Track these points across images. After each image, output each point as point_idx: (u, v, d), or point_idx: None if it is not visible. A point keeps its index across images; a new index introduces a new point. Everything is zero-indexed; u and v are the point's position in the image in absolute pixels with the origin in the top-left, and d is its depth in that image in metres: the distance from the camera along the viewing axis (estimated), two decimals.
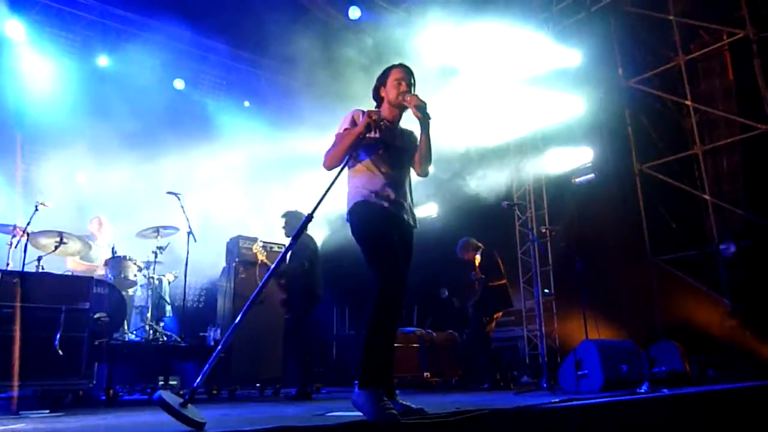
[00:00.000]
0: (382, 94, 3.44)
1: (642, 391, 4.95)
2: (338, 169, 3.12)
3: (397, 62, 3.48)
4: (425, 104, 3.23)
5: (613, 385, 5.17)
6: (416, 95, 3.28)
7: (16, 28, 8.06)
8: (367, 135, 3.18)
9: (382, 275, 2.98)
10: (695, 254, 8.24)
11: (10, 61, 8.16)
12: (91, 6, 8.64)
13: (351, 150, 3.17)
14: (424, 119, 3.22)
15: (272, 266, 2.67)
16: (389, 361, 3.15)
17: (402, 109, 3.41)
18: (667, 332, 7.84)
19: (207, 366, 2.32)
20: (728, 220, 8.08)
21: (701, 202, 8.27)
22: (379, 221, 3.12)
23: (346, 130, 3.27)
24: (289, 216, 6.16)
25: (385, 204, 3.18)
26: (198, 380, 2.30)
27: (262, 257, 6.34)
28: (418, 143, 3.37)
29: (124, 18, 9.11)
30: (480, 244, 7.16)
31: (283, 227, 6.17)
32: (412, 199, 3.42)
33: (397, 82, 3.36)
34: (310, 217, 2.82)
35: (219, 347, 2.40)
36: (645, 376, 5.56)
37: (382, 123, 3.26)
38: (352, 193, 3.26)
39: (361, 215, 3.16)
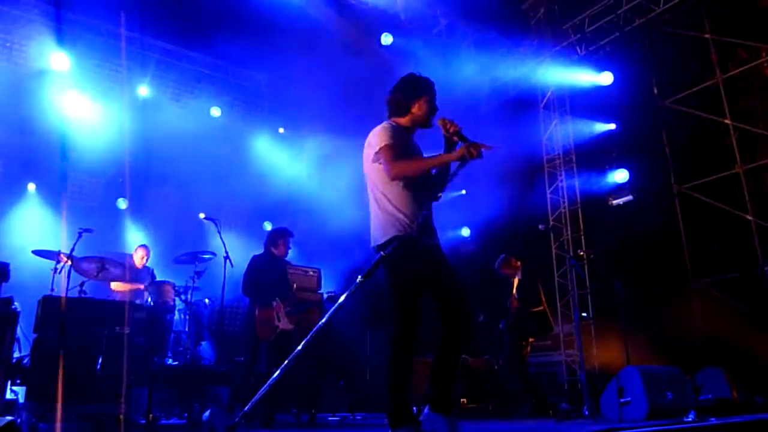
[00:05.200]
0: (414, 108, 3.31)
1: (689, 420, 4.79)
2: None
3: (426, 76, 3.41)
4: (460, 128, 3.20)
5: (659, 413, 5.00)
6: (453, 122, 3.22)
7: (61, 60, 8.37)
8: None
9: (398, 317, 3.06)
10: (739, 276, 7.99)
11: (54, 91, 8.45)
12: (133, 38, 8.94)
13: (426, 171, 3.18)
14: (463, 141, 3.15)
15: (341, 298, 2.60)
16: (451, 377, 3.15)
17: (423, 126, 3.38)
18: (711, 357, 7.58)
19: (259, 394, 2.32)
20: None
21: (744, 223, 8.04)
22: (409, 264, 3.09)
23: (428, 157, 3.24)
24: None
25: (418, 236, 3.14)
26: (247, 407, 2.31)
27: None
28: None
29: (164, 49, 9.39)
30: (519, 263, 7.02)
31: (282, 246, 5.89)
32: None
33: (432, 104, 3.33)
34: (382, 258, 2.73)
35: (275, 376, 2.40)
36: (691, 404, 5.37)
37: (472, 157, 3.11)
38: (385, 223, 3.19)
39: (394, 251, 3.06)
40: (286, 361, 2.41)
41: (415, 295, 3.11)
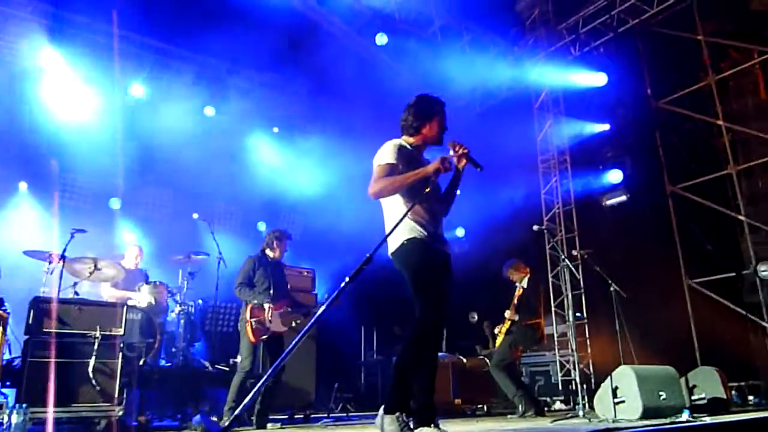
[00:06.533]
0: (425, 129, 3.46)
1: (683, 419, 4.80)
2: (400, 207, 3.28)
3: (437, 95, 3.53)
4: (469, 151, 3.35)
5: (652, 413, 5.01)
6: (461, 144, 3.35)
7: (52, 57, 8.30)
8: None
9: (424, 310, 3.13)
10: (732, 276, 8.02)
11: (46, 89, 8.38)
12: (126, 37, 8.88)
13: (408, 187, 3.25)
14: (472, 164, 3.34)
15: (327, 301, 2.60)
16: (431, 388, 3.22)
17: (433, 144, 3.52)
18: (705, 357, 7.61)
19: (251, 396, 2.30)
20: (765, 241, 7.87)
21: (737, 223, 8.08)
22: (427, 259, 3.22)
23: (414, 171, 3.27)
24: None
25: (431, 240, 3.28)
26: (239, 409, 2.29)
27: None
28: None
29: (158, 48, 9.33)
30: (528, 270, 6.95)
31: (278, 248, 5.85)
32: None
33: (442, 124, 3.47)
34: (369, 259, 2.73)
35: (264, 379, 2.37)
36: (685, 403, 5.38)
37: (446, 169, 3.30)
38: (400, 228, 3.24)
39: (411, 252, 3.24)
40: (272, 366, 2.40)
41: (440, 287, 3.21)
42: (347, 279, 2.58)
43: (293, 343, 2.34)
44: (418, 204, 3.25)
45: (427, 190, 3.22)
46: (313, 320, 2.56)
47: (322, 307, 2.56)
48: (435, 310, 3.14)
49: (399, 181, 3.23)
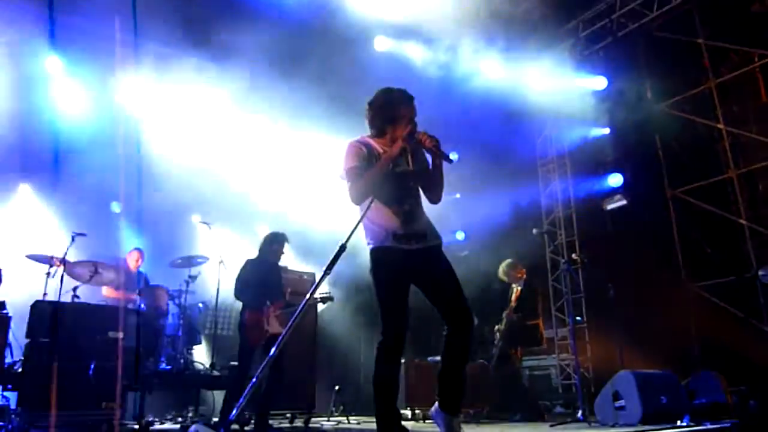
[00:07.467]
0: (389, 133, 3.28)
1: (683, 424, 4.80)
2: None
3: (398, 89, 3.34)
4: (439, 142, 3.19)
5: (653, 417, 5.00)
6: (432, 136, 3.18)
7: (55, 63, 8.32)
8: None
9: (383, 325, 3.07)
10: (732, 280, 8.01)
11: (47, 94, 8.39)
12: (128, 40, 8.86)
13: (382, 178, 3.13)
14: (440, 156, 3.21)
15: (306, 296, 2.64)
16: (460, 384, 3.17)
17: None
18: (705, 361, 7.60)
19: (242, 399, 2.31)
20: (766, 245, 7.86)
21: (737, 227, 8.07)
22: (386, 270, 3.13)
23: (380, 158, 3.20)
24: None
25: (396, 244, 3.14)
26: (232, 413, 2.29)
27: None
28: (428, 165, 3.34)
29: (159, 51, 9.32)
30: (524, 271, 6.96)
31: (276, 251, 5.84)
32: (427, 219, 3.33)
33: (411, 127, 3.22)
34: (343, 248, 2.76)
35: (254, 379, 2.38)
36: (685, 408, 5.38)
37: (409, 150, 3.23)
38: (365, 233, 3.23)
39: (372, 266, 3.18)
40: (264, 362, 2.40)
41: (398, 302, 3.10)
42: (324, 269, 2.63)
43: (282, 334, 2.35)
44: (383, 204, 3.16)
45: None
46: (299, 310, 2.55)
47: (305, 300, 2.58)
48: (390, 326, 3.05)
49: (367, 179, 3.10)
